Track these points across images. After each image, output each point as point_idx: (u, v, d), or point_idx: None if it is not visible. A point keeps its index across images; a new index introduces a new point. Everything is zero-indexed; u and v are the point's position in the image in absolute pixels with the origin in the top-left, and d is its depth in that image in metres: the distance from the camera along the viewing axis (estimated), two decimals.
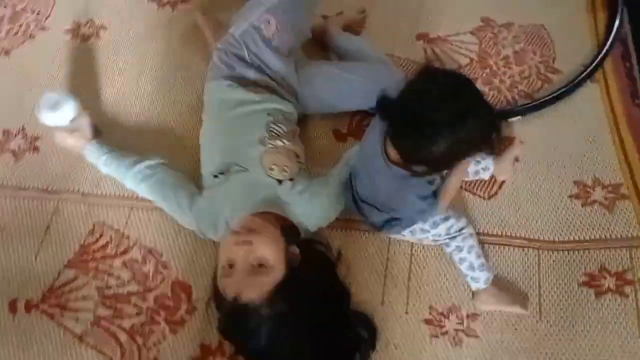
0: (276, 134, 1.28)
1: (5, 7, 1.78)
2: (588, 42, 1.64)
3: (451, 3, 1.72)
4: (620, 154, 1.45)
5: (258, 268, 1.09)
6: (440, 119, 0.92)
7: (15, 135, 1.54)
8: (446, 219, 1.25)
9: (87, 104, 1.43)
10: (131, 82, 1.60)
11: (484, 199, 1.41)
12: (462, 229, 1.26)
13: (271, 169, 1.25)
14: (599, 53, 1.59)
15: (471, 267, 1.25)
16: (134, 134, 1.51)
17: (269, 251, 1.11)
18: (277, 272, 1.10)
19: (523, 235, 1.35)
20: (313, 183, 1.28)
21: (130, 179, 1.33)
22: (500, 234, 1.36)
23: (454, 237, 1.26)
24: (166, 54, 1.64)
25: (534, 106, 1.52)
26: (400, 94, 0.98)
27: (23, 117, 1.55)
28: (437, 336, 1.25)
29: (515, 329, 1.24)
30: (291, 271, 1.12)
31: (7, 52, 1.69)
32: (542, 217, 1.37)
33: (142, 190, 1.33)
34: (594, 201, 1.38)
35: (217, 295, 1.13)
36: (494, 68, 1.61)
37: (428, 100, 0.94)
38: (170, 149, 1.45)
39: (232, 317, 1.09)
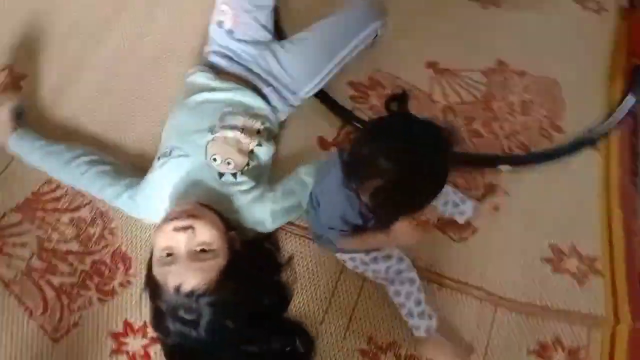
0: (230, 125, 1.22)
1: None
2: (599, 108, 1.58)
3: (470, 37, 1.68)
4: (605, 228, 1.39)
5: (201, 254, 1.04)
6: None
7: None
8: (388, 257, 1.20)
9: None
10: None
11: (453, 240, 1.34)
12: (400, 272, 1.20)
13: (213, 159, 1.19)
14: (607, 122, 1.54)
15: (410, 314, 1.19)
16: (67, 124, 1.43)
17: (212, 234, 1.06)
18: (220, 256, 1.05)
19: (483, 287, 1.29)
20: (263, 187, 1.22)
21: (67, 176, 1.28)
22: (460, 280, 1.29)
23: (393, 281, 1.20)
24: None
25: (528, 159, 1.47)
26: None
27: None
28: None
29: None
30: (234, 256, 1.07)
31: None
32: (508, 273, 1.31)
33: (80, 185, 1.28)
34: (566, 270, 1.32)
35: (151, 286, 1.06)
36: (497, 112, 1.55)
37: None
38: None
39: (172, 311, 1.02)
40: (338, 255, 1.26)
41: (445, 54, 1.64)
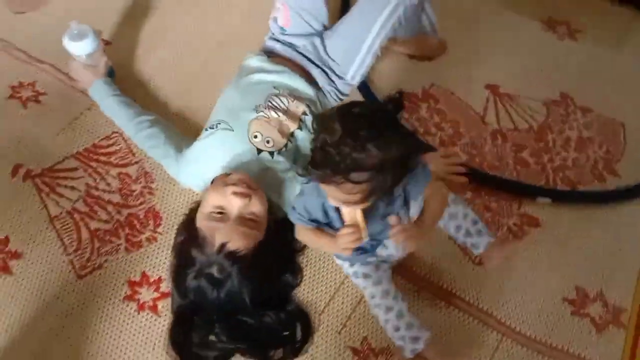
0: (274, 106, 1.28)
1: None
2: None
3: (538, 65, 1.65)
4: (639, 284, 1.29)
5: (248, 221, 1.11)
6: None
7: None
8: (365, 276, 1.19)
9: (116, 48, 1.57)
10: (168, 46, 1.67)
11: (473, 262, 1.31)
12: (373, 296, 1.18)
13: (254, 136, 1.25)
14: None
15: (392, 337, 1.17)
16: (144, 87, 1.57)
17: (262, 209, 1.13)
18: (261, 230, 1.12)
19: (494, 315, 1.25)
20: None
21: (131, 128, 1.40)
22: (471, 302, 1.26)
23: (369, 305, 1.20)
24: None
25: (574, 196, 1.41)
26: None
27: None
28: None
29: None
30: (268, 233, 1.14)
31: None
32: (524, 306, 1.26)
33: (138, 139, 1.40)
34: (587, 314, 1.25)
35: (192, 236, 1.13)
36: (550, 144, 1.50)
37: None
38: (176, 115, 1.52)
39: (205, 265, 1.09)
40: (337, 260, 1.27)
41: (508, 78, 1.62)
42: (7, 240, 1.30)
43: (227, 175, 1.18)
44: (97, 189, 1.39)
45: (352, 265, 1.22)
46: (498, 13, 1.77)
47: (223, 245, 1.06)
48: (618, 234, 1.36)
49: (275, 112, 1.28)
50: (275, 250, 1.16)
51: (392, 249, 1.18)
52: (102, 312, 1.23)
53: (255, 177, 1.20)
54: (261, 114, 1.27)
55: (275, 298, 1.15)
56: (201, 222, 1.12)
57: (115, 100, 1.43)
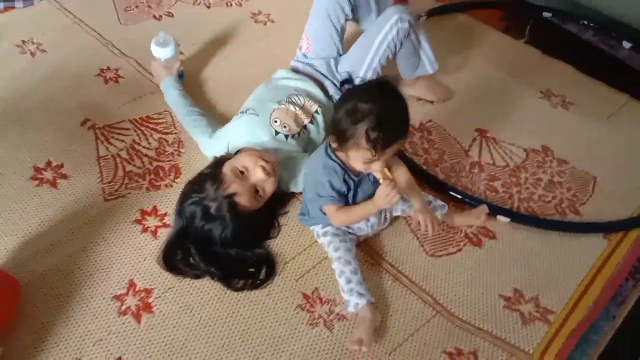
0: (293, 102, 1.62)
1: None
2: (629, 208, 1.63)
3: (528, 125, 1.88)
4: (576, 294, 1.41)
5: (257, 192, 1.42)
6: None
7: None
8: (335, 235, 1.41)
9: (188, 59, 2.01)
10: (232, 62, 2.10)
11: (427, 254, 1.50)
12: (338, 249, 1.38)
13: (275, 121, 1.58)
14: (630, 220, 1.58)
15: (342, 290, 1.35)
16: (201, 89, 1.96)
17: (271, 191, 1.45)
18: (262, 202, 1.45)
19: (434, 295, 1.40)
20: (305, 156, 1.57)
21: (183, 113, 1.76)
22: (415, 282, 1.43)
23: (332, 258, 1.39)
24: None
25: (534, 221, 1.57)
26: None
27: None
28: (303, 309, 1.37)
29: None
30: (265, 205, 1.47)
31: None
32: (463, 295, 1.41)
33: (185, 121, 1.75)
34: (518, 310, 1.37)
35: (214, 173, 1.41)
36: (521, 181, 1.70)
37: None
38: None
39: (210, 198, 1.37)
40: (312, 228, 1.50)
41: (497, 128, 1.86)
42: (62, 165, 1.66)
43: (263, 152, 1.49)
44: (139, 145, 1.74)
45: (324, 227, 1.44)
46: (503, 78, 2.05)
47: (232, 195, 1.36)
48: (565, 259, 1.50)
49: (293, 106, 1.62)
50: (264, 216, 1.49)
51: (366, 225, 1.44)
52: (114, 227, 1.51)
53: (271, 152, 1.52)
54: (282, 106, 1.62)
55: (250, 243, 1.43)
56: (227, 170, 1.41)
57: (177, 93, 1.81)
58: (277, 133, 1.57)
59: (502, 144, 1.81)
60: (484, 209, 1.48)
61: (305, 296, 1.39)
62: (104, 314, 1.33)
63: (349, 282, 1.34)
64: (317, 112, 1.65)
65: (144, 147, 1.73)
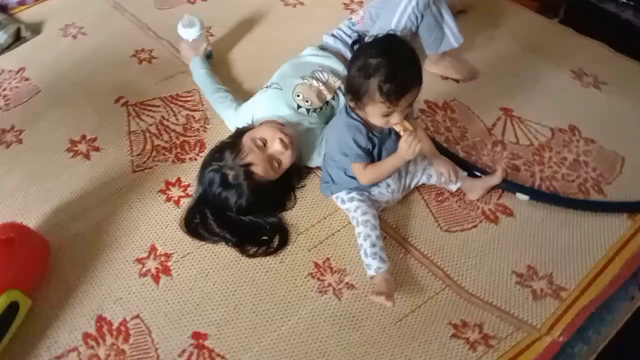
0: (316, 78, 1.65)
1: None
2: None
3: (556, 102, 1.83)
4: (591, 273, 1.37)
5: (274, 163, 1.47)
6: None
7: None
8: (361, 200, 1.43)
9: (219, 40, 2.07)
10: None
11: (440, 229, 1.50)
12: (365, 213, 1.40)
13: (297, 95, 1.61)
14: None
15: (365, 253, 1.36)
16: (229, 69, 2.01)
17: (288, 163, 1.50)
18: (278, 174, 1.49)
19: (444, 269, 1.40)
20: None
21: (209, 91, 1.82)
22: (427, 255, 1.43)
23: (358, 222, 1.41)
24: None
25: (551, 197, 1.54)
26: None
27: None
28: (314, 277, 1.40)
29: (368, 315, 1.33)
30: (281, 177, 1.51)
31: None
32: (475, 269, 1.41)
33: (212, 98, 1.81)
34: (529, 286, 1.36)
35: (234, 142, 1.48)
36: (545, 160, 1.66)
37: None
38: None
39: (227, 166, 1.43)
40: (333, 196, 1.52)
41: (523, 105, 1.82)
42: (95, 139, 1.75)
43: (283, 125, 1.54)
44: (168, 120, 1.82)
45: (349, 192, 1.47)
46: (532, 57, 2.00)
47: (249, 164, 1.41)
48: (585, 238, 1.46)
49: (317, 82, 1.65)
50: (280, 187, 1.53)
51: (387, 190, 1.46)
52: (140, 196, 1.59)
53: (291, 125, 1.56)
54: (305, 80, 1.65)
55: (264, 212, 1.47)
56: (246, 140, 1.47)
57: (204, 72, 1.88)
58: (299, 107, 1.60)
59: (527, 123, 1.77)
60: (499, 170, 1.49)
61: (317, 265, 1.43)
62: (125, 274, 1.41)
63: (373, 245, 1.36)
64: (339, 88, 1.67)
65: (172, 123, 1.81)
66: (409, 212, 1.53)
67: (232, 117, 1.73)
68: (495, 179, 1.50)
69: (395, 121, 1.28)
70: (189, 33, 1.91)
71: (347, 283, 1.39)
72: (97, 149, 1.72)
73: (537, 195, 1.55)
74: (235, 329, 1.31)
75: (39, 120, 1.82)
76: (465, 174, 1.52)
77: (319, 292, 1.37)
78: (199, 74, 1.87)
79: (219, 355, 1.27)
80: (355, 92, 1.27)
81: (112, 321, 1.33)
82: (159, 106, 1.87)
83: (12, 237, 1.33)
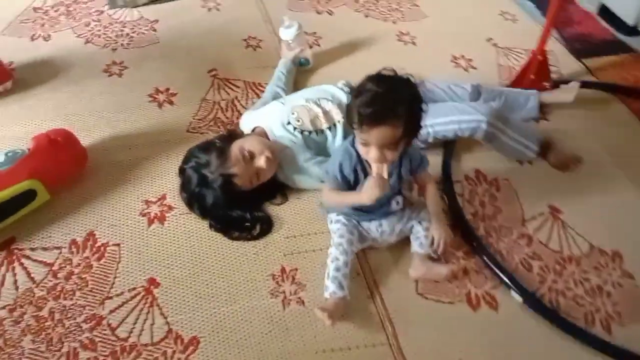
0: (318, 104, 1.72)
1: None
2: None
3: (607, 214, 1.66)
4: None
5: (256, 175, 1.56)
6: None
7: None
8: (345, 225, 1.45)
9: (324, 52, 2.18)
10: None
11: (416, 290, 1.45)
12: (342, 236, 1.42)
13: (293, 113, 1.69)
14: None
15: (327, 275, 1.38)
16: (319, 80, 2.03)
17: (268, 177, 1.59)
18: (255, 186, 1.58)
19: (397, 328, 1.36)
20: (306, 156, 1.64)
21: (270, 86, 1.98)
22: (388, 307, 1.40)
23: (332, 243, 1.43)
24: None
25: (548, 313, 1.41)
26: None
27: None
28: (274, 279, 1.45)
29: (299, 335, 1.34)
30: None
31: None
32: (425, 343, 1.34)
33: (267, 90, 1.98)
34: None
35: (221, 150, 1.54)
36: (565, 273, 1.51)
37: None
38: None
39: (209, 171, 1.51)
40: (328, 215, 1.55)
41: (575, 213, 1.67)
42: (175, 94, 1.99)
43: (271, 142, 1.64)
44: (239, 102, 1.99)
45: (338, 215, 1.49)
46: (611, 172, 1.82)
47: (233, 175, 1.50)
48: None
49: (318, 108, 1.72)
50: (253, 196, 1.60)
51: (376, 228, 1.47)
52: (178, 152, 1.72)
53: (275, 140, 1.66)
54: (307, 104, 1.72)
55: (243, 209, 1.57)
56: (235, 149, 1.54)
57: (278, 73, 2.02)
58: (288, 122, 1.68)
59: (570, 230, 1.62)
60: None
61: (283, 270, 1.47)
62: (129, 208, 1.60)
63: (337, 269, 1.38)
64: (339, 121, 1.69)
65: (240, 105, 1.97)
66: (394, 260, 1.51)
67: (248, 114, 1.84)
68: (444, 270, 1.43)
69: (371, 156, 1.27)
70: (285, 34, 2.06)
71: (299, 298, 1.41)
72: (171, 103, 1.95)
73: (533, 302, 1.42)
74: (184, 291, 1.41)
75: (143, 64, 2.10)
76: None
77: (271, 294, 1.41)
78: (276, 71, 2.02)
79: (157, 305, 1.38)
80: (347, 110, 1.29)
81: (98, 240, 1.51)
82: (239, 87, 2.05)
83: (58, 140, 1.58)
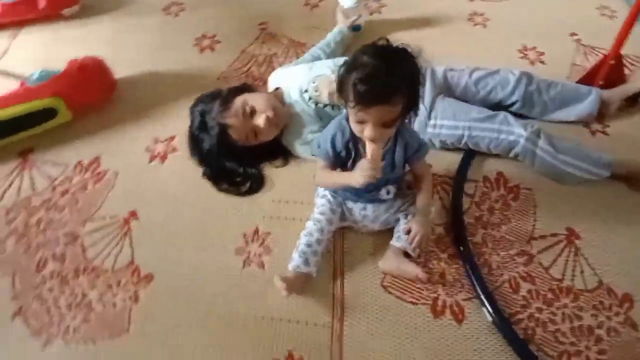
0: None
1: None
2: None
3: (629, 250, 1.43)
4: None
5: (252, 134, 1.54)
6: None
7: None
8: (329, 202, 1.40)
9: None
10: None
11: (381, 282, 1.37)
12: (322, 213, 1.38)
13: (313, 82, 1.63)
14: None
15: (296, 248, 1.35)
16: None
17: (266, 139, 1.57)
18: (251, 144, 1.56)
19: (345, 314, 1.31)
20: (315, 126, 1.60)
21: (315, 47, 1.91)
22: (346, 292, 1.35)
23: (311, 218, 1.39)
24: None
25: (517, 342, 1.27)
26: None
27: None
28: (244, 237, 1.46)
29: (246, 296, 1.34)
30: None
31: None
32: (368, 335, 1.28)
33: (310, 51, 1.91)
34: None
35: (226, 100, 1.55)
36: (555, 305, 1.34)
37: None
38: None
39: (210, 118, 1.53)
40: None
41: (594, 242, 1.45)
42: (218, 42, 2.01)
43: (282, 104, 1.60)
44: (277, 58, 1.98)
45: (324, 190, 1.44)
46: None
47: (228, 126, 1.50)
48: None
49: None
50: (251, 153, 1.59)
51: (359, 212, 1.42)
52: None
53: (290, 103, 1.61)
54: (332, 76, 1.59)
55: (237, 162, 1.57)
56: (238, 101, 1.54)
57: (328, 39, 1.94)
58: (305, 90, 1.61)
59: (582, 260, 1.43)
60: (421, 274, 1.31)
61: (256, 231, 1.47)
62: (138, 142, 1.69)
63: (308, 245, 1.35)
64: None
65: (277, 61, 1.96)
66: (370, 247, 1.44)
67: (279, 70, 1.80)
68: (414, 270, 1.32)
69: (367, 135, 1.17)
70: (346, 1, 1.98)
71: (261, 261, 1.41)
72: (212, 49, 1.99)
73: (503, 325, 1.29)
74: (157, 229, 1.48)
75: (200, 9, 2.16)
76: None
77: (236, 251, 1.42)
78: (327, 36, 1.96)
79: (130, 237, 1.45)
80: (339, 84, 1.19)
81: (100, 165, 1.61)
82: (284, 44, 2.03)
83: (88, 67, 1.68)
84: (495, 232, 1.48)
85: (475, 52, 1.93)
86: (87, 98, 1.70)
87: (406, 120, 1.27)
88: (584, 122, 1.73)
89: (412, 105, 1.18)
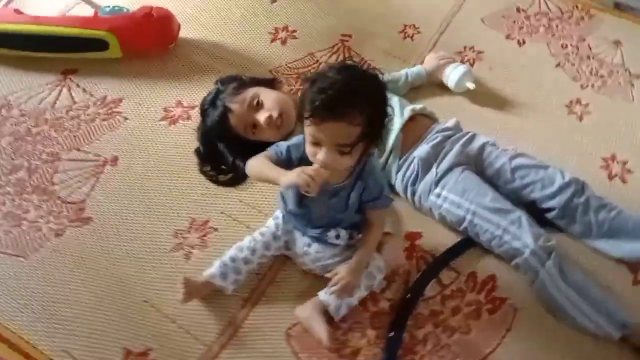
0: None
1: None
2: None
3: None
4: None
5: (251, 128, 1.48)
6: None
7: None
8: (277, 226, 1.32)
9: None
10: None
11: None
12: (262, 234, 1.30)
13: None
14: None
15: (222, 257, 1.28)
16: None
17: (266, 138, 1.45)
18: (250, 138, 1.50)
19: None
20: None
21: None
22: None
23: (250, 235, 1.31)
24: None
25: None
26: None
27: None
28: (191, 224, 1.42)
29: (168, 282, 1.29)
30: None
31: None
32: None
33: None
34: None
35: (239, 88, 1.51)
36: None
37: None
38: None
39: (220, 99, 1.49)
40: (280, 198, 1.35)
41: None
42: (295, 38, 1.98)
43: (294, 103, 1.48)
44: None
45: (285, 210, 1.31)
46: None
47: (229, 110, 1.46)
48: None
49: None
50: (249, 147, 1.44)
51: (303, 249, 1.30)
52: None
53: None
54: None
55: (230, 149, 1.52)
56: (251, 90, 1.50)
57: (404, 73, 1.77)
58: None
59: None
60: None
61: (205, 222, 1.42)
62: (160, 99, 1.72)
63: (232, 260, 1.27)
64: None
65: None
66: (302, 287, 1.32)
67: None
68: (325, 335, 1.18)
69: (320, 158, 1.06)
70: (451, 72, 1.80)
71: (191, 252, 1.36)
72: (284, 42, 1.94)
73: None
74: (124, 181, 1.50)
75: (300, 4, 2.10)
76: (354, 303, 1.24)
77: (175, 230, 1.40)
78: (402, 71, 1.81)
79: (99, 180, 1.49)
80: (300, 99, 1.10)
81: (120, 107, 1.68)
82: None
83: (153, 16, 1.75)
84: (443, 336, 1.26)
85: (551, 141, 1.65)
86: (141, 45, 1.77)
87: (372, 163, 1.18)
88: (632, 266, 1.40)
89: (372, 132, 1.07)
